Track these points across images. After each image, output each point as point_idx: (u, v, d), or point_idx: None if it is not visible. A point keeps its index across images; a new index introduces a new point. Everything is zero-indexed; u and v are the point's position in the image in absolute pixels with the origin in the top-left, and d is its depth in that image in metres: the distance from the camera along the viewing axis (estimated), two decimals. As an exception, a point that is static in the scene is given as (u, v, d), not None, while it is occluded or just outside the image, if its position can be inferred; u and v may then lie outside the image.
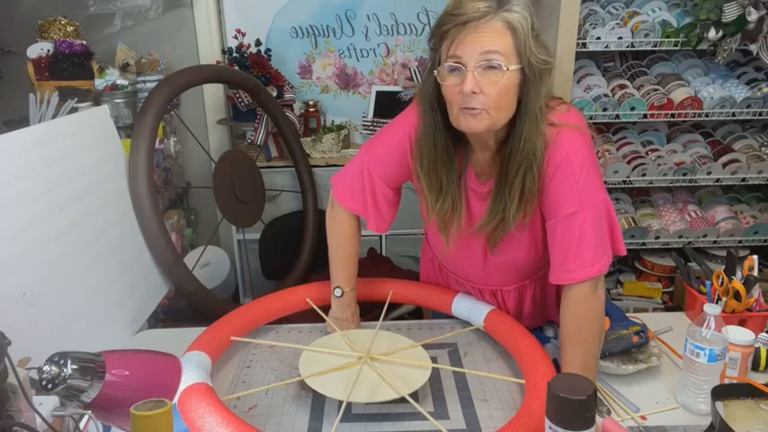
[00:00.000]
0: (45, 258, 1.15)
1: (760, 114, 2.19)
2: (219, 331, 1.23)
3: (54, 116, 1.79)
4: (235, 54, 2.43)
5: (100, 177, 1.43)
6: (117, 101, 2.05)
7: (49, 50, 2.00)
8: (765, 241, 2.31)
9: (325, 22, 2.63)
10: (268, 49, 2.53)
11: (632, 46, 2.17)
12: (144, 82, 2.23)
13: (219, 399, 0.98)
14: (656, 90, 2.20)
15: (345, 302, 1.31)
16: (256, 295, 1.57)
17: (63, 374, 0.71)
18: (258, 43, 2.50)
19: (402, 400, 1.03)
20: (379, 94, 2.62)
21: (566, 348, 1.09)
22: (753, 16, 1.97)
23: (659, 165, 2.23)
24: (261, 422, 1.06)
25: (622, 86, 2.24)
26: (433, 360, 1.16)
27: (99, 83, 2.04)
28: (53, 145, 1.26)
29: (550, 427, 0.80)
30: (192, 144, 2.45)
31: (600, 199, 1.08)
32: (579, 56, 2.18)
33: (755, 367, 1.17)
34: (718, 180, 2.26)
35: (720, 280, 1.29)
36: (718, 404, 0.96)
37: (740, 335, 1.11)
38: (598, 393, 1.07)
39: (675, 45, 2.16)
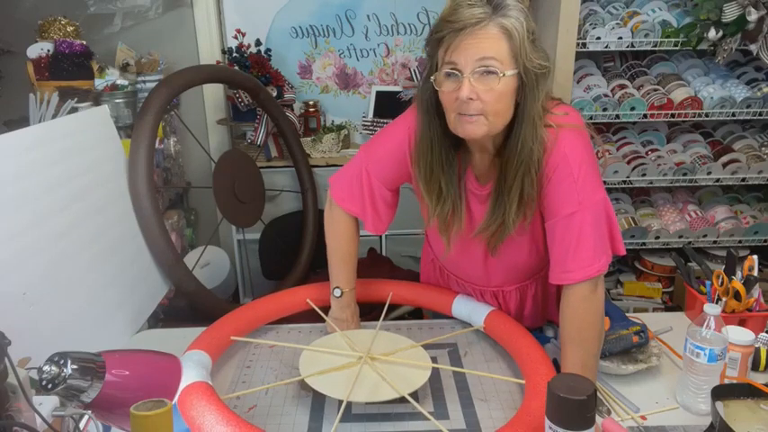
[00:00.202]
0: (45, 258, 1.14)
1: (760, 114, 2.19)
2: (219, 331, 1.23)
3: (54, 116, 1.79)
4: (235, 54, 2.43)
5: (100, 177, 1.42)
6: (117, 101, 2.05)
7: (49, 50, 2.00)
8: (765, 241, 2.32)
9: (325, 22, 2.63)
10: (268, 49, 2.53)
11: (632, 46, 2.17)
12: (144, 82, 2.22)
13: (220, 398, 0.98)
14: (656, 90, 2.20)
15: (345, 303, 1.31)
16: (256, 295, 1.57)
17: (63, 374, 0.71)
18: (258, 43, 2.50)
19: (402, 399, 1.03)
20: (378, 94, 2.62)
21: (566, 348, 1.09)
22: (753, 16, 1.97)
23: (659, 165, 2.23)
24: (261, 422, 1.06)
25: (622, 86, 2.24)
26: (433, 360, 1.16)
27: (99, 83, 2.04)
28: (53, 145, 1.26)
29: (550, 427, 0.80)
30: (192, 144, 2.45)
31: (599, 198, 1.08)
32: (579, 56, 2.17)
33: (755, 367, 1.17)
34: (718, 180, 2.26)
35: (720, 280, 1.29)
36: (718, 404, 0.96)
37: (740, 335, 1.11)
38: (598, 393, 1.07)
39: (675, 45, 2.17)
